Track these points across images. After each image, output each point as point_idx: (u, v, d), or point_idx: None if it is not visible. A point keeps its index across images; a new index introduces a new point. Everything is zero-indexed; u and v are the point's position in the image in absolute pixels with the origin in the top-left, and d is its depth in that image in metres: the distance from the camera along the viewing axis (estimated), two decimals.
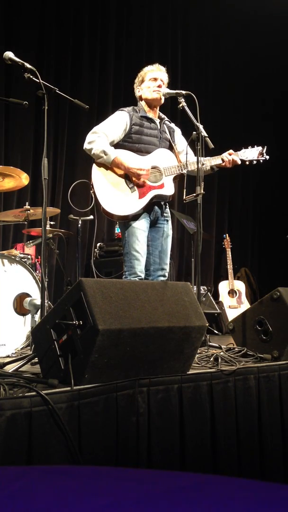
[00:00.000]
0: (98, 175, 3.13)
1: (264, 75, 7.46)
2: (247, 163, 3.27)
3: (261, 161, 3.26)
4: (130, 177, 3.14)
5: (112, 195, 3.11)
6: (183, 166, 3.17)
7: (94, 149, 3.08)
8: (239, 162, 3.23)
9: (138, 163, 3.12)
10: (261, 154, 3.26)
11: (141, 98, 3.32)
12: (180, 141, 3.39)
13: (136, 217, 3.13)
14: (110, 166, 3.12)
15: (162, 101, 3.28)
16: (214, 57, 7.36)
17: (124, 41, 6.33)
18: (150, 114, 3.29)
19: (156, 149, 3.24)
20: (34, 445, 1.58)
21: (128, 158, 3.12)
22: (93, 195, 3.12)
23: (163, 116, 3.37)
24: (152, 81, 3.26)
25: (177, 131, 3.42)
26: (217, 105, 7.22)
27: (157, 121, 3.31)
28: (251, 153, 3.26)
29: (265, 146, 3.27)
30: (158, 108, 3.33)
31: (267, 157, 3.26)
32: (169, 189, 3.22)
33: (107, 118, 3.28)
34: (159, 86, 3.24)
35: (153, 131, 3.25)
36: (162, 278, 3.28)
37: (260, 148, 3.26)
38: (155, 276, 3.27)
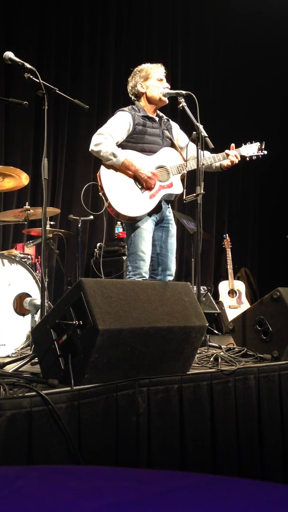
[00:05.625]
0: (108, 176, 3.09)
1: (264, 74, 7.46)
2: (248, 159, 3.29)
3: (260, 156, 3.29)
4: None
5: (123, 196, 3.07)
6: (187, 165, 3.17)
7: (103, 152, 3.04)
8: (243, 153, 3.26)
9: (147, 165, 3.11)
10: (260, 149, 3.29)
11: (145, 96, 3.26)
12: (180, 136, 3.38)
13: (143, 217, 3.12)
14: (119, 168, 3.08)
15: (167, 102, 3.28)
16: (214, 57, 7.36)
17: (124, 41, 6.33)
18: (150, 114, 3.28)
19: (160, 148, 3.23)
20: (34, 445, 1.58)
21: (137, 160, 3.10)
22: (103, 197, 3.09)
23: (161, 114, 3.36)
24: (159, 82, 3.24)
25: (175, 127, 3.40)
26: (217, 105, 7.22)
27: (157, 119, 3.30)
28: (251, 149, 3.28)
29: (263, 142, 3.30)
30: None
31: (266, 152, 3.30)
32: (177, 188, 3.22)
33: (107, 118, 3.26)
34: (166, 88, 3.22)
35: (155, 130, 3.24)
36: (170, 278, 3.27)
37: (258, 143, 3.29)
38: (164, 276, 3.25)
